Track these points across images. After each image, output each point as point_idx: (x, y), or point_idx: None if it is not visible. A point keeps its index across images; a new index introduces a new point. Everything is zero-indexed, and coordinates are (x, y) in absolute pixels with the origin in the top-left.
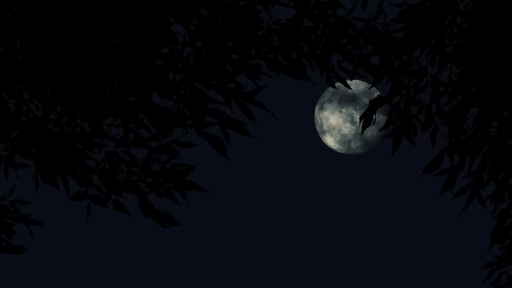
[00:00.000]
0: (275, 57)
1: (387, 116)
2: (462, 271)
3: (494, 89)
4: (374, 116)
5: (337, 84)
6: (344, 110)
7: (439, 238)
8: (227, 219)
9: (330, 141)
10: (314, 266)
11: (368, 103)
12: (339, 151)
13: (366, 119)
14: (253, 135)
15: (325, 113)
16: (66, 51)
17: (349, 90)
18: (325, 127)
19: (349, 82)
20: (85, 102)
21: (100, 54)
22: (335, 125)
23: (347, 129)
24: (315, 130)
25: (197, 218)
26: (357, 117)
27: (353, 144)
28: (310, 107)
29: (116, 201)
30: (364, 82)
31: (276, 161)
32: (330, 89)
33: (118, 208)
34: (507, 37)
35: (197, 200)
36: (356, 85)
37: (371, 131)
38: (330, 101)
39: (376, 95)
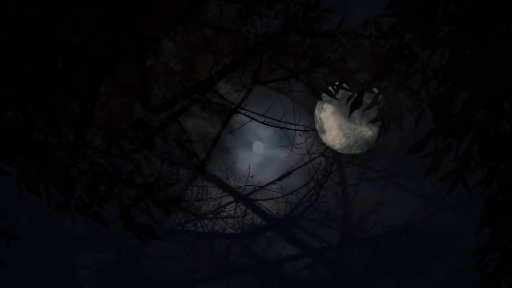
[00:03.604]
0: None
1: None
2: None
3: (484, 75)
4: (361, 99)
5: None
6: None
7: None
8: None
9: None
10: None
11: (369, 103)
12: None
13: (354, 102)
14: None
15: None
16: (52, 60)
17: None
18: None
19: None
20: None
21: (88, 63)
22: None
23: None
24: (315, 130)
25: None
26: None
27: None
28: (310, 107)
29: (95, 212)
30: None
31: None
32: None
33: (98, 219)
34: (499, 23)
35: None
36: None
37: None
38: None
39: (375, 91)
